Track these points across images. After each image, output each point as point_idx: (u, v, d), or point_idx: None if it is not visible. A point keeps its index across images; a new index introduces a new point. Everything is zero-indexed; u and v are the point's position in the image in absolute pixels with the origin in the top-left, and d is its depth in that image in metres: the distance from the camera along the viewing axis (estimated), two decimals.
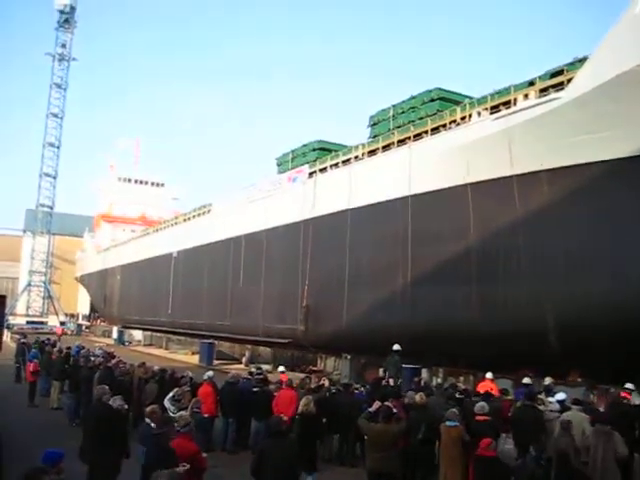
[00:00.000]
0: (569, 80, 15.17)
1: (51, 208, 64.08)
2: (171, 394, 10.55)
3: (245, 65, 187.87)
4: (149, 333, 46.01)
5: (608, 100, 13.78)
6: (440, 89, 21.54)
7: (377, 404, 8.54)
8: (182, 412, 8.54)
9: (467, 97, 20.84)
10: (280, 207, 27.57)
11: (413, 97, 22.35)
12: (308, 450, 8.85)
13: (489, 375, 14.20)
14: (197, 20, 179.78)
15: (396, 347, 16.87)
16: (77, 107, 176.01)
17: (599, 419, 8.56)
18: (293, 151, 30.30)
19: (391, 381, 14.29)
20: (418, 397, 9.91)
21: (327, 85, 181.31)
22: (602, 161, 14.43)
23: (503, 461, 7.71)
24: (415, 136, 20.51)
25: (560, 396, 10.45)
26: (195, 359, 32.08)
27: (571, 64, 15.94)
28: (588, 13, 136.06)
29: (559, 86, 15.63)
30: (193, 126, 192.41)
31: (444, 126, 19.39)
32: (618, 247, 14.49)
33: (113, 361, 15.67)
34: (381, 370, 17.80)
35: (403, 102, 22.86)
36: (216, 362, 30.16)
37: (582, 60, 15.50)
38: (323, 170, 25.69)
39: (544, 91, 16.16)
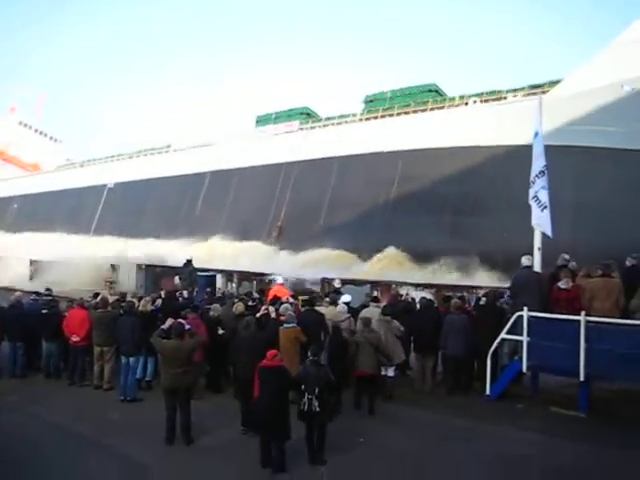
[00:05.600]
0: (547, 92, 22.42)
1: None
2: None
3: None
4: None
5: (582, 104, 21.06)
6: (435, 84, 28.16)
7: (170, 321, 8.39)
8: None
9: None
10: (264, 150, 31.57)
11: (410, 87, 28.68)
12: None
13: (280, 280, 14.41)
14: None
15: (189, 257, 16.67)
16: None
17: (383, 312, 9.93)
18: (276, 112, 34.77)
19: (185, 293, 13.85)
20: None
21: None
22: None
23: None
24: (414, 111, 26.65)
25: (346, 298, 11.06)
26: None
27: (548, 83, 23.37)
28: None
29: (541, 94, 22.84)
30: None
31: (441, 108, 25.84)
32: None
33: None
34: (176, 278, 17.50)
35: (401, 89, 29.07)
36: None
37: (555, 82, 23.01)
38: (313, 129, 30.65)
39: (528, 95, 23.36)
